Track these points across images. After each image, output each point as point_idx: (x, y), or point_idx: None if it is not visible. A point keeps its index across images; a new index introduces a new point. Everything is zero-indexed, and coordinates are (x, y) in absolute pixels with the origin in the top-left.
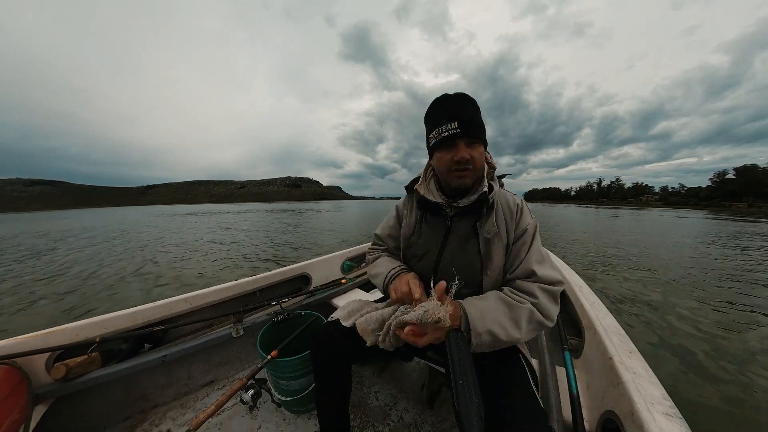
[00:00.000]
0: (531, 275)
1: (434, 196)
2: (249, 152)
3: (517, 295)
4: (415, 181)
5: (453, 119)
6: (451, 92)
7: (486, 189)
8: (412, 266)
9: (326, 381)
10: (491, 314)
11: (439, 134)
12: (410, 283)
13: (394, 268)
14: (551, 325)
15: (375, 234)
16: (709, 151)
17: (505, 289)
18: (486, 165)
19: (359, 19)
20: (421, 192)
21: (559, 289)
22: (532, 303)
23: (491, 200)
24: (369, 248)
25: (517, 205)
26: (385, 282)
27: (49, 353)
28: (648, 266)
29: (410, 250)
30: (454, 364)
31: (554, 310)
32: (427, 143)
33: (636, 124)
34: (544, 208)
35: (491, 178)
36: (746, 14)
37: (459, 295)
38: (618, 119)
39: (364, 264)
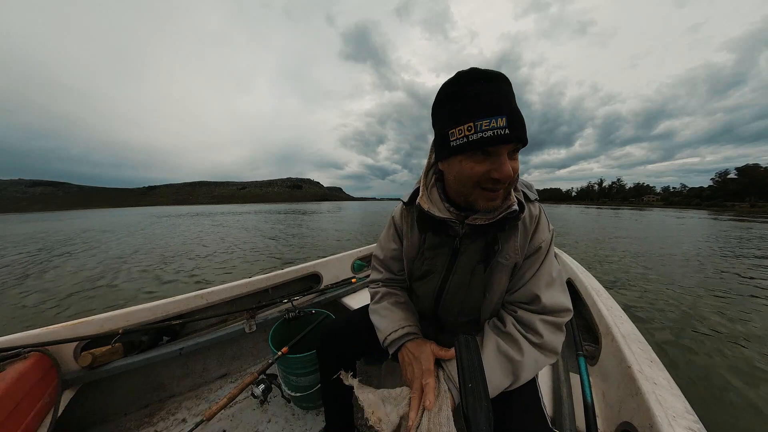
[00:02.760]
0: (534, 301)
1: (440, 210)
2: (250, 153)
3: (519, 333)
4: (416, 194)
5: (500, 112)
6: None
7: (515, 206)
8: (415, 289)
9: (332, 376)
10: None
11: (476, 133)
12: (423, 382)
13: (395, 331)
14: (555, 360)
15: (374, 256)
16: (711, 150)
17: (508, 323)
18: None
19: (360, 19)
20: (425, 207)
21: (564, 319)
22: (535, 344)
23: (520, 219)
24: (370, 280)
25: (535, 217)
26: (384, 344)
27: (77, 342)
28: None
29: (415, 273)
30: (463, 367)
31: (559, 342)
32: (441, 139)
33: (639, 123)
34: (545, 208)
35: (515, 188)
36: (751, 11)
37: (456, 325)
38: (620, 119)
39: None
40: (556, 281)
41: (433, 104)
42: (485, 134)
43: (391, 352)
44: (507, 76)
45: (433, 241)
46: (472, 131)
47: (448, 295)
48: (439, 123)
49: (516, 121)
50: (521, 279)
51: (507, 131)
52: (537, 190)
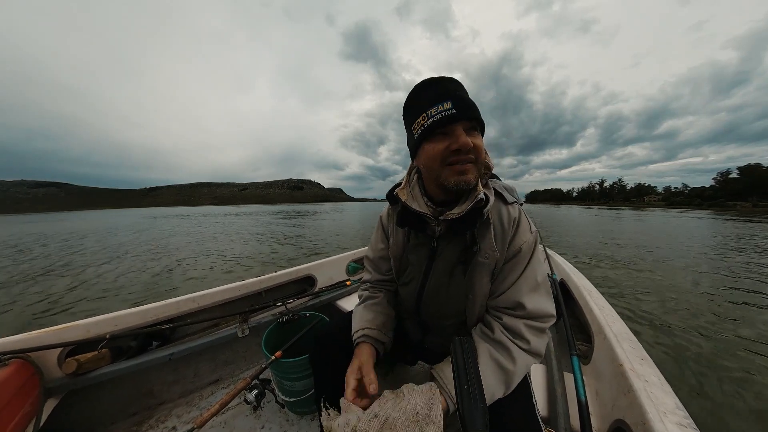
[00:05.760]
0: (517, 307)
1: (419, 205)
2: (251, 154)
3: (509, 339)
4: (397, 187)
5: (444, 99)
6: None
7: (482, 196)
8: (400, 291)
9: (326, 383)
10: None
11: (428, 119)
12: (348, 376)
13: (356, 331)
14: (539, 361)
15: (365, 257)
16: (714, 150)
17: (496, 330)
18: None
19: (360, 18)
20: (403, 198)
21: (547, 324)
22: (524, 350)
23: (486, 214)
24: (361, 280)
25: (514, 219)
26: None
27: (61, 348)
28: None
29: (401, 275)
30: (459, 369)
31: (543, 345)
32: (410, 139)
33: (641, 123)
34: (545, 209)
35: (485, 183)
36: (755, 8)
37: (441, 328)
38: (623, 118)
39: None
40: (541, 286)
41: (402, 113)
42: (435, 118)
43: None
44: (456, 79)
45: (413, 241)
46: (426, 119)
47: (427, 298)
48: (406, 125)
49: (462, 104)
50: (504, 283)
51: (453, 111)
52: (537, 191)
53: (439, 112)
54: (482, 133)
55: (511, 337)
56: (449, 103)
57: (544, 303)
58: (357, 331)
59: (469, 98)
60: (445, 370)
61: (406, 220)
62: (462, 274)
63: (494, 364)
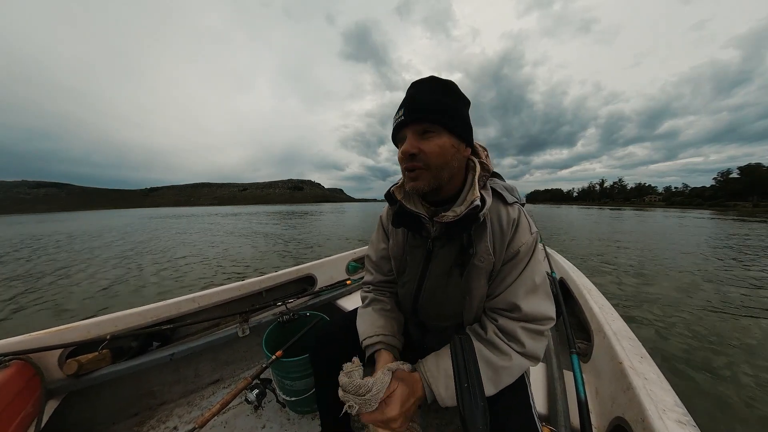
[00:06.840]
0: (514, 309)
1: (414, 204)
2: (251, 154)
3: (501, 341)
4: (395, 186)
5: (403, 104)
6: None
7: (477, 201)
8: (398, 292)
9: (326, 380)
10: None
11: (392, 128)
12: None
13: (370, 337)
14: (536, 364)
15: (366, 257)
16: (715, 150)
17: (489, 331)
18: (478, 165)
19: (360, 18)
20: (399, 197)
21: (546, 326)
22: (518, 353)
23: (482, 218)
24: (363, 282)
25: (513, 220)
26: (363, 347)
27: (61, 350)
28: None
29: (400, 275)
30: (459, 367)
31: (541, 348)
32: None
33: (642, 123)
34: (545, 209)
35: (483, 185)
36: (758, 7)
37: (439, 329)
38: (624, 118)
39: None
40: (539, 288)
41: None
42: (393, 126)
43: (366, 355)
44: (437, 76)
45: (411, 242)
46: (392, 129)
47: (424, 299)
48: None
49: (414, 108)
50: (501, 284)
51: (402, 118)
52: (538, 191)
53: (395, 120)
54: (457, 132)
55: (505, 340)
56: (402, 110)
57: (542, 305)
58: (371, 337)
59: (432, 97)
60: (428, 363)
61: (402, 221)
62: (459, 276)
63: (483, 362)
